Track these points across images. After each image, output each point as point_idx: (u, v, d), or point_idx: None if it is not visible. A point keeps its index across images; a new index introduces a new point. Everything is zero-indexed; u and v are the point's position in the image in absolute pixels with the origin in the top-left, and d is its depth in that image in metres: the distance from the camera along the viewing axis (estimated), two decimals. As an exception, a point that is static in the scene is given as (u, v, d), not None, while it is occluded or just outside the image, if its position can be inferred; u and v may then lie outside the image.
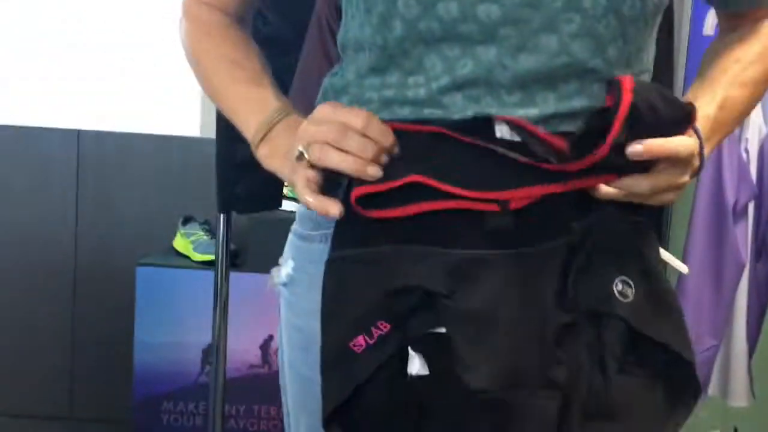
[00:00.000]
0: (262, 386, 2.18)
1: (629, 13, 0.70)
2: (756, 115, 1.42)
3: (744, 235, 1.40)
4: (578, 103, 0.71)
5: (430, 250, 0.69)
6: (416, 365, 0.69)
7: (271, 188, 1.63)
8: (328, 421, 0.70)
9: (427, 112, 0.72)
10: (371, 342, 0.69)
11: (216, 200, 1.63)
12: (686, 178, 0.73)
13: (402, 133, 0.71)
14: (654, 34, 0.77)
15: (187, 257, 2.29)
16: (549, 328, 0.69)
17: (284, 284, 0.84)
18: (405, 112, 0.73)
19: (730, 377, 1.49)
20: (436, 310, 0.68)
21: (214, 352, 1.79)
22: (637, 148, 0.68)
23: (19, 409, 2.69)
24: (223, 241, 1.70)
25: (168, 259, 2.28)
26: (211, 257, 2.18)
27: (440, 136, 0.70)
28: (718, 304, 1.37)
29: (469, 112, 0.70)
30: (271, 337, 2.17)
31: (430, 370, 0.68)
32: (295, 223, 0.86)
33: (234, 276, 1.97)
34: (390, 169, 0.70)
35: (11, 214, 2.62)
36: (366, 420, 0.71)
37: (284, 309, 0.85)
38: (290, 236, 0.85)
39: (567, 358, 0.69)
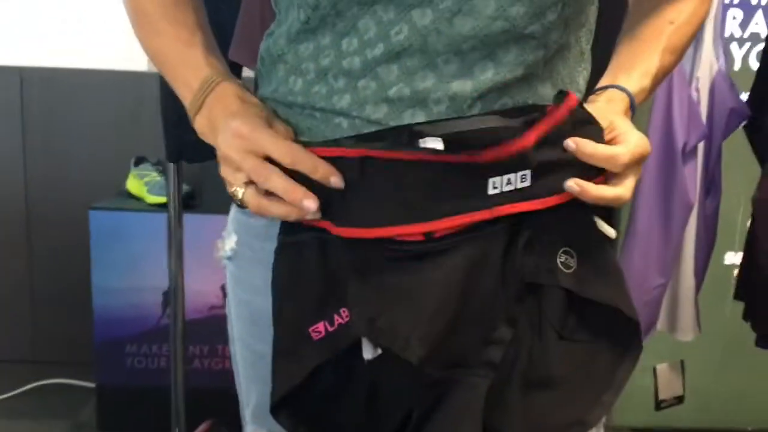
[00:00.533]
0: (223, 326, 2.17)
1: None
2: (707, 53, 1.41)
3: (693, 175, 1.41)
4: (516, 72, 0.69)
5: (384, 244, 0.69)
6: (369, 350, 0.69)
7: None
8: (275, 407, 0.70)
9: (362, 84, 0.70)
10: (331, 329, 0.69)
11: (164, 148, 1.59)
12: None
13: (329, 160, 0.69)
14: None
15: (140, 199, 2.25)
16: (490, 311, 0.69)
17: (229, 258, 0.83)
18: (340, 84, 0.71)
19: (677, 313, 1.54)
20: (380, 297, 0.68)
21: (172, 295, 1.78)
22: (570, 144, 0.69)
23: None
24: (174, 188, 1.67)
25: (121, 202, 2.23)
26: (165, 199, 2.15)
27: (366, 160, 0.68)
28: (666, 243, 1.40)
29: (404, 87, 0.68)
30: (230, 278, 2.17)
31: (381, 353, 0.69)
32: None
33: (190, 217, 1.95)
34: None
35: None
36: (315, 405, 0.71)
37: (230, 282, 0.84)
38: (232, 210, 0.84)
39: (508, 335, 0.70)
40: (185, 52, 0.80)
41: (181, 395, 1.77)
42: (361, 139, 0.69)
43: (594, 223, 0.73)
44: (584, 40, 0.76)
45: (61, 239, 2.57)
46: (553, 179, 0.69)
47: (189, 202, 2.14)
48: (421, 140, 0.66)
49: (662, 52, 0.80)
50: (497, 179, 0.67)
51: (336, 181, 0.68)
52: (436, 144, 0.65)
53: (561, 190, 0.70)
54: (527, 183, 0.68)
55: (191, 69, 0.79)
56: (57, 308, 2.64)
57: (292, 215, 0.69)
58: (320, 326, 0.69)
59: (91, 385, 2.39)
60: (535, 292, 0.72)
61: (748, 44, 2.13)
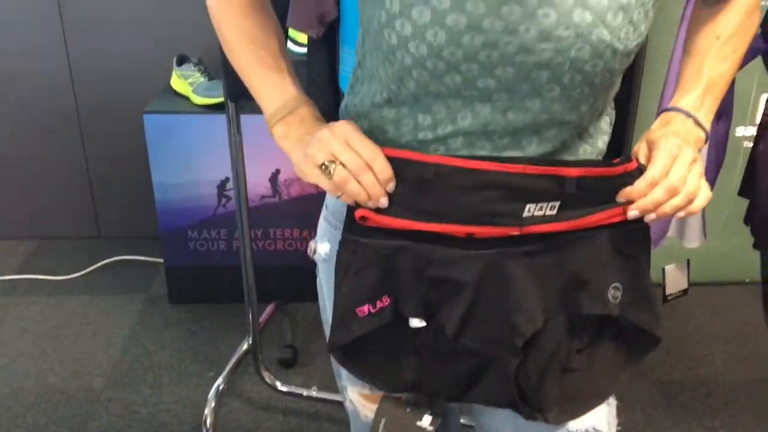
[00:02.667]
0: (274, 213, 2.42)
1: (600, 81, 0.82)
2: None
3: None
4: (556, 144, 0.86)
5: (426, 248, 0.88)
6: (415, 321, 0.92)
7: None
8: (331, 350, 0.95)
9: (433, 147, 0.87)
10: (374, 311, 0.90)
11: (223, 88, 1.72)
12: (688, 159, 0.86)
13: (406, 162, 0.85)
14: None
15: (186, 98, 2.39)
16: (519, 311, 0.88)
17: (324, 260, 1.03)
18: (414, 146, 0.87)
19: (686, 223, 1.73)
20: (437, 289, 0.89)
21: (235, 184, 1.95)
22: (633, 214, 0.85)
23: (51, 234, 2.95)
24: (232, 121, 1.80)
25: (171, 103, 2.37)
26: (212, 100, 2.30)
27: (438, 167, 0.84)
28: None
29: (466, 154, 0.85)
30: (278, 171, 2.36)
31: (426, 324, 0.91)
32: (326, 209, 1.02)
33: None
34: (390, 205, 0.86)
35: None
36: (363, 352, 0.94)
37: (324, 277, 1.04)
38: (323, 221, 1.02)
39: (531, 330, 0.89)
40: (273, 75, 0.96)
41: (251, 274, 1.98)
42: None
43: (638, 256, 0.91)
44: (611, 97, 0.91)
45: (113, 134, 2.75)
46: (576, 211, 0.87)
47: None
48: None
49: (711, 61, 0.92)
50: (533, 205, 0.85)
51: (390, 187, 0.85)
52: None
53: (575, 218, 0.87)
54: (554, 212, 0.86)
55: (278, 89, 0.95)
56: (116, 191, 2.87)
57: (364, 200, 0.85)
58: (365, 308, 0.91)
59: (159, 260, 2.67)
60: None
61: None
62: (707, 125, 0.93)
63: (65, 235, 2.94)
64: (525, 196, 0.85)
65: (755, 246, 1.62)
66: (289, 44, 2.00)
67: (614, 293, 0.91)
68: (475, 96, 0.82)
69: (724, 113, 1.60)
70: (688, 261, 1.66)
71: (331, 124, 0.88)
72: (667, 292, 1.66)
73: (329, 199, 1.01)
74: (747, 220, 1.63)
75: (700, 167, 0.88)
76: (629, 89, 0.97)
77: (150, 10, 2.59)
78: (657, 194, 0.85)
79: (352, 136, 0.85)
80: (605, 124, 0.94)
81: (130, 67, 2.65)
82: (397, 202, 0.86)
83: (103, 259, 2.80)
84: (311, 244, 1.05)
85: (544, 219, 0.86)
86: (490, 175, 0.84)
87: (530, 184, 0.84)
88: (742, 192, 1.69)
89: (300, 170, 0.89)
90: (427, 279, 0.90)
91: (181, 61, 2.42)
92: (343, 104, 0.96)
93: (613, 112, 0.95)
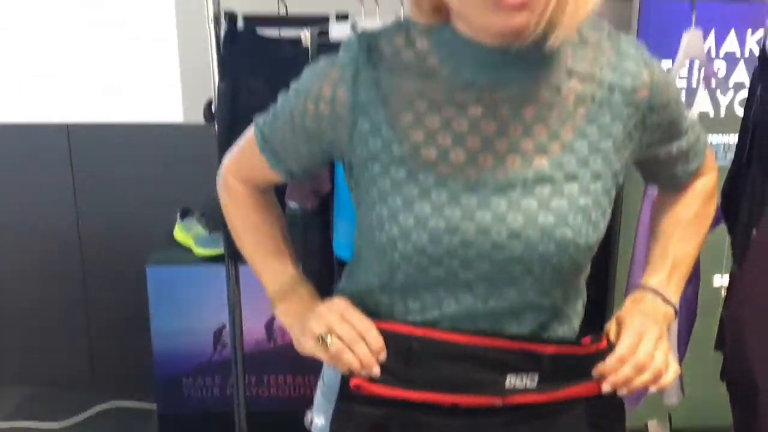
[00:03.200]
0: (269, 359, 2.48)
1: (567, 271, 0.94)
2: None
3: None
4: (533, 327, 0.96)
5: (413, 415, 0.95)
6: None
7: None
8: None
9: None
10: None
11: (224, 248, 1.83)
12: (653, 336, 0.95)
13: (396, 334, 0.94)
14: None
15: (188, 249, 2.51)
16: None
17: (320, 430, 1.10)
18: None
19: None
20: None
21: (231, 336, 2.03)
22: (606, 389, 0.94)
23: (45, 380, 2.97)
24: (231, 278, 1.91)
25: (173, 255, 2.48)
26: (212, 252, 2.41)
27: (427, 341, 0.94)
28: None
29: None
30: (274, 318, 2.45)
31: None
32: (322, 383, 1.10)
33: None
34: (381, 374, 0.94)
35: (8, 217, 2.79)
36: None
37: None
38: (320, 396, 1.10)
39: None
40: (276, 260, 1.08)
41: (244, 426, 2.02)
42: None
43: (613, 429, 0.99)
44: (582, 281, 1.02)
45: (115, 281, 2.84)
46: (554, 384, 0.96)
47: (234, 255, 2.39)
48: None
49: (675, 244, 1.05)
50: (513, 376, 0.94)
51: (382, 357, 0.93)
52: None
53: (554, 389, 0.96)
54: (534, 384, 0.95)
55: (279, 271, 1.07)
56: (114, 337, 2.93)
57: (357, 369, 0.93)
58: None
59: (152, 406, 2.68)
60: None
61: (731, 92, 2.37)
62: (675, 301, 1.04)
63: (59, 381, 2.95)
64: (505, 367, 0.94)
65: (731, 402, 1.69)
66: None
67: None
68: (458, 286, 0.93)
69: (693, 276, 1.71)
70: (670, 416, 1.73)
71: (328, 300, 0.99)
72: (651, 447, 1.71)
73: (326, 374, 1.10)
74: (722, 376, 1.70)
75: (666, 344, 0.97)
76: (606, 268, 1.09)
77: (156, 166, 2.74)
78: (626, 371, 0.93)
79: (347, 310, 0.96)
80: (580, 306, 1.04)
81: (135, 217, 2.77)
82: (388, 372, 0.95)
83: (96, 406, 2.80)
84: (308, 414, 1.13)
85: (525, 390, 0.95)
86: (474, 348, 0.93)
87: (509, 358, 0.94)
88: (718, 346, 1.78)
89: (298, 342, 1.00)
90: None
91: (184, 214, 2.55)
92: (339, 287, 1.07)
93: (585, 294, 1.05)
